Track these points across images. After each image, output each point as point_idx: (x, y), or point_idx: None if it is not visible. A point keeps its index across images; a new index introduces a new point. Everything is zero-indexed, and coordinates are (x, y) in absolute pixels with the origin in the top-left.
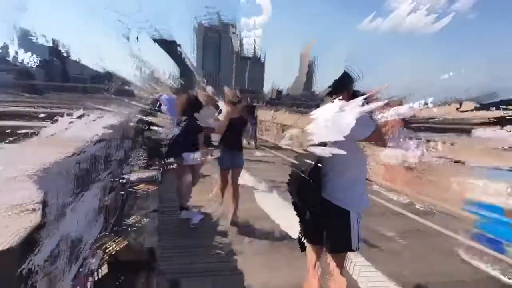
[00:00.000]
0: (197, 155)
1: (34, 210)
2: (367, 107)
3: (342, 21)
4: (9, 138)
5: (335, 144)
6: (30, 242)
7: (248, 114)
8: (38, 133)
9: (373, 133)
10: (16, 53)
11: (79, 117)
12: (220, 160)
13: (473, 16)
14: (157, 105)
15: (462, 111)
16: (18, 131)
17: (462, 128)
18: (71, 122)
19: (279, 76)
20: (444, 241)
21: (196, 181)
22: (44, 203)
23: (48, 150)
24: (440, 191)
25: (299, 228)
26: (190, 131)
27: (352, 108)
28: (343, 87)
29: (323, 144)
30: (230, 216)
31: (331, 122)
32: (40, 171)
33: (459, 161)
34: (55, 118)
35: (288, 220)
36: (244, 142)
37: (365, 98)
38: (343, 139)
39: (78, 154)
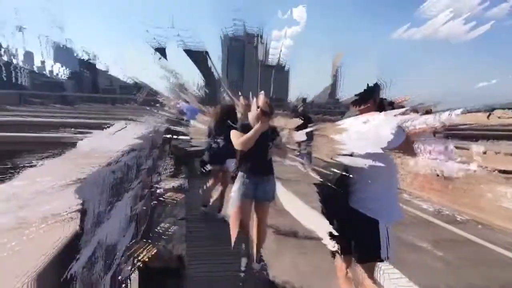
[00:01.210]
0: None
1: (72, 219)
2: (401, 118)
3: (371, 30)
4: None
5: (365, 154)
6: (69, 250)
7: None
8: (76, 143)
9: (403, 142)
10: (52, 66)
11: (120, 129)
12: (240, 189)
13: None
14: (180, 114)
15: (499, 117)
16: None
17: (497, 135)
18: (110, 134)
19: (303, 84)
20: (480, 252)
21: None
22: (83, 212)
23: (86, 161)
24: (475, 200)
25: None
26: (228, 140)
27: (388, 120)
28: (371, 96)
29: (349, 154)
30: (253, 252)
31: (367, 134)
32: (78, 181)
33: (493, 169)
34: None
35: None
36: (299, 165)
37: (401, 113)
38: (381, 151)
39: (113, 164)
